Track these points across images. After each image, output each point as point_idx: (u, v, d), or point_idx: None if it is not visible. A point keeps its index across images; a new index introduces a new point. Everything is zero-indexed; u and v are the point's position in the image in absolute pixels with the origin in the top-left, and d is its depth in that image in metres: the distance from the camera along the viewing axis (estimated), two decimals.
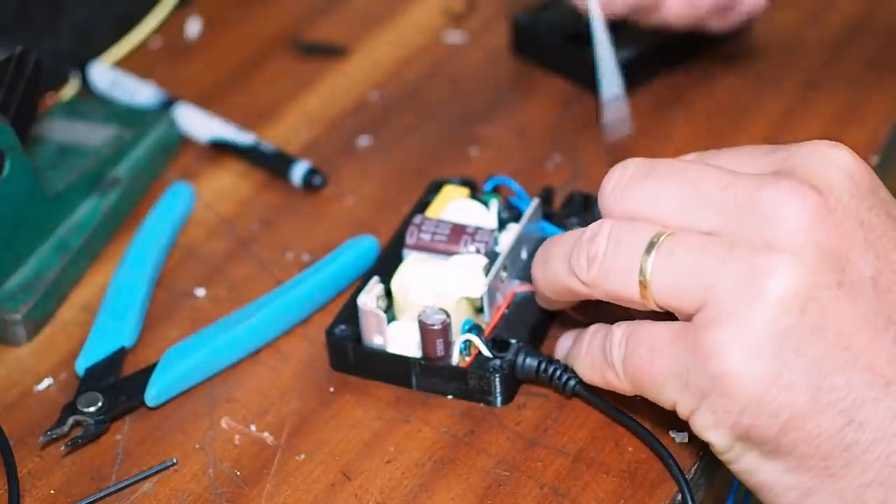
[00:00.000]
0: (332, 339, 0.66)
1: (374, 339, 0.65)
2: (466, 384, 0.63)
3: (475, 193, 0.71)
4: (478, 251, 0.66)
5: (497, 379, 0.63)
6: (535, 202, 0.69)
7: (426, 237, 0.67)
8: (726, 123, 0.82)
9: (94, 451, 0.63)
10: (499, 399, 0.63)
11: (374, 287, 0.65)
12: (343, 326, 0.65)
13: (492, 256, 0.66)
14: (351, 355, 0.65)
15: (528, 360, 0.63)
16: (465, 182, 0.72)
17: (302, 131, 0.84)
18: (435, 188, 0.72)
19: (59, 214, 0.74)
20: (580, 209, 0.71)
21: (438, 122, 0.84)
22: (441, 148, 0.82)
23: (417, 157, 0.81)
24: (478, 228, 0.67)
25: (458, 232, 0.67)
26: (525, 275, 0.67)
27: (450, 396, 0.64)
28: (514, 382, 0.64)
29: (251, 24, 0.94)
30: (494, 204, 0.70)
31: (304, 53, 0.91)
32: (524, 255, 0.68)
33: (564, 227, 0.70)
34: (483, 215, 0.69)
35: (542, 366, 0.63)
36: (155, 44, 0.93)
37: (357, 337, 0.65)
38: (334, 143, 0.83)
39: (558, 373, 0.62)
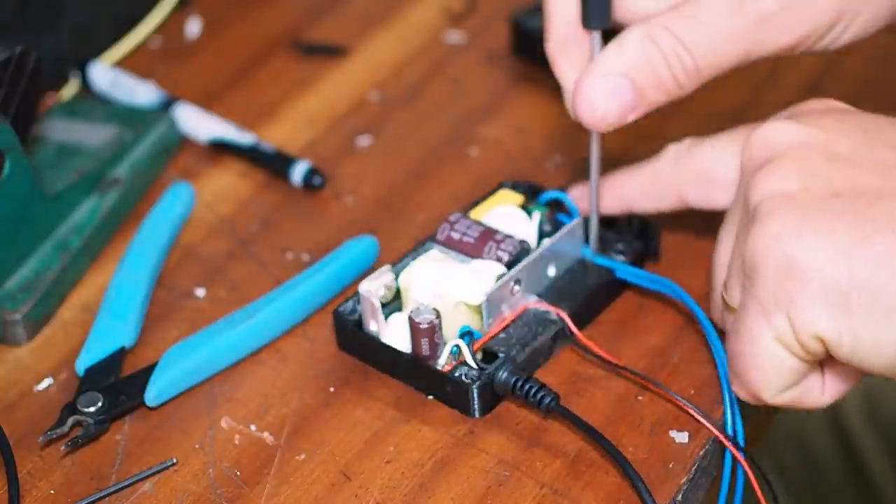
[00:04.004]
0: (337, 318, 0.66)
1: (370, 326, 0.65)
2: (444, 389, 0.63)
3: (531, 201, 0.70)
4: (499, 260, 0.65)
5: (475, 390, 0.62)
6: (575, 221, 0.67)
7: (455, 236, 0.67)
8: (726, 123, 0.81)
9: (94, 451, 0.63)
10: (476, 410, 0.62)
11: (383, 275, 0.65)
12: (351, 307, 0.66)
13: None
14: (351, 338, 0.65)
15: (506, 376, 0.62)
16: (531, 187, 0.71)
17: (302, 131, 0.84)
18: (509, 186, 0.71)
19: (59, 214, 0.74)
20: (634, 236, 0.69)
21: (438, 122, 0.84)
22: (441, 148, 0.82)
23: (417, 157, 0.81)
24: (507, 237, 0.66)
25: (486, 237, 0.66)
26: (549, 293, 0.66)
27: (430, 397, 0.64)
28: (493, 396, 0.63)
29: (251, 24, 0.94)
30: (536, 216, 0.68)
31: (304, 53, 0.91)
32: (552, 272, 0.67)
33: (607, 254, 0.68)
34: (525, 226, 0.68)
35: (518, 383, 0.62)
36: (155, 44, 0.93)
37: (361, 321, 0.66)
38: (334, 143, 0.83)
39: (533, 390, 0.61)
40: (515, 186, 0.71)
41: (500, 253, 0.66)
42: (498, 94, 0.86)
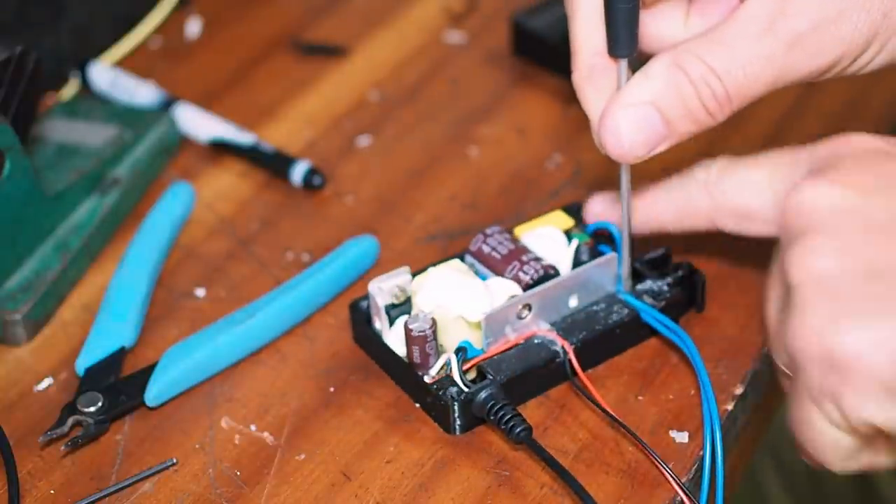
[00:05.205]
0: (353, 311, 0.66)
1: (376, 323, 0.65)
2: (426, 401, 0.63)
3: (578, 227, 0.68)
4: (518, 281, 0.64)
5: (453, 407, 0.61)
6: (608, 256, 0.65)
7: (486, 249, 0.66)
8: (726, 122, 0.81)
9: (94, 451, 0.63)
10: (458, 428, 0.62)
11: (399, 276, 0.65)
12: (367, 303, 0.66)
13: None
14: (361, 331, 0.66)
15: (483, 398, 0.61)
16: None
17: (302, 131, 0.84)
18: (566, 209, 0.69)
19: (59, 214, 0.74)
20: (676, 282, 0.66)
21: (438, 122, 0.84)
22: (441, 148, 0.82)
23: (417, 157, 0.81)
24: (534, 259, 0.65)
25: (513, 256, 0.65)
26: (564, 323, 0.65)
27: (417, 405, 0.64)
28: (473, 416, 0.62)
29: (251, 24, 0.94)
30: (575, 243, 0.67)
31: (304, 53, 0.91)
32: (573, 303, 0.65)
33: (641, 296, 0.66)
34: (561, 251, 0.67)
35: (494, 407, 0.61)
36: (155, 44, 0.93)
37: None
38: (334, 143, 0.83)
39: (506, 418, 0.60)
40: (570, 209, 0.69)
41: (520, 274, 0.65)
42: (498, 94, 0.86)
